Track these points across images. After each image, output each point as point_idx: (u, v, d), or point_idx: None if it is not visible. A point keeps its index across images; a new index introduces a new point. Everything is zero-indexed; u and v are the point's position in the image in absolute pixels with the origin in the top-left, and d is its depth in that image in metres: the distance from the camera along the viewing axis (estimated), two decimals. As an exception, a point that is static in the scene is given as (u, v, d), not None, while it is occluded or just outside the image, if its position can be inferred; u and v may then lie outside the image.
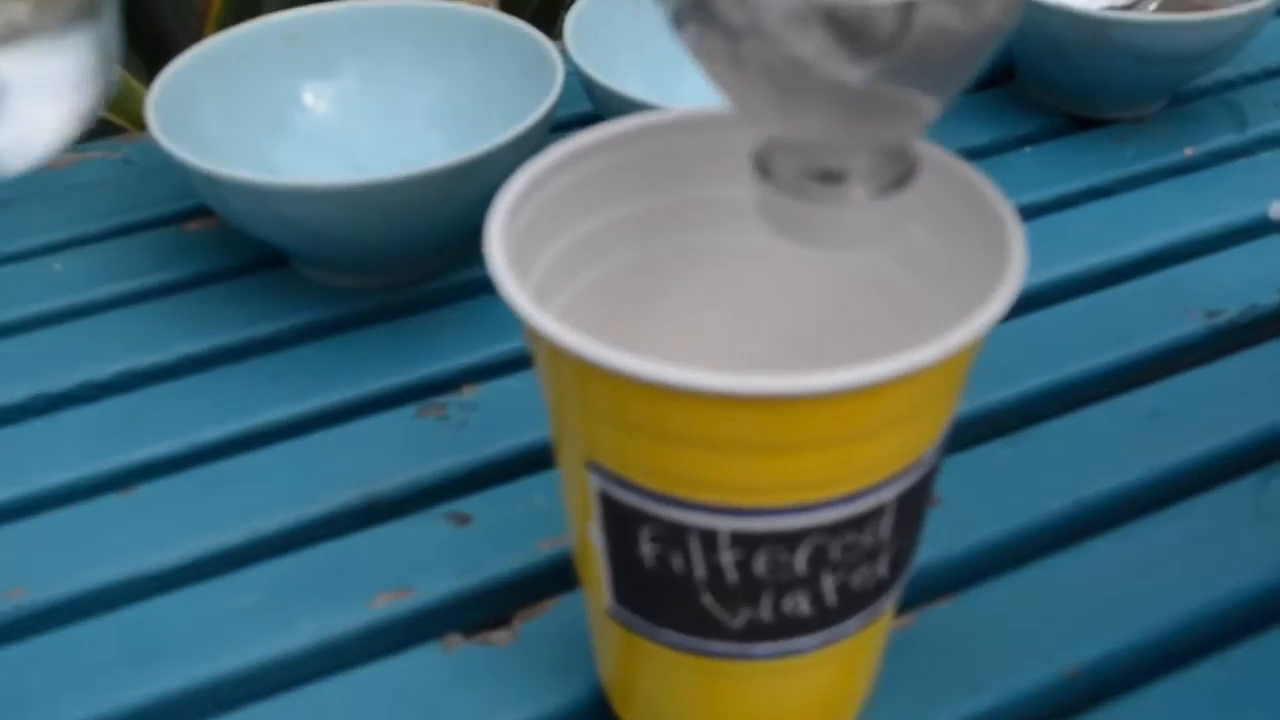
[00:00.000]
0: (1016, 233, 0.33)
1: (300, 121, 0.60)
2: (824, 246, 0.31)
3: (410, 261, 0.57)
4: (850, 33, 0.25)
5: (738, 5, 0.25)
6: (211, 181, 0.51)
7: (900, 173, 0.30)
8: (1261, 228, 0.63)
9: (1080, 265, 0.60)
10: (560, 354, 0.30)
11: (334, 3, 0.62)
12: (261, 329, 0.56)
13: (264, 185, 0.50)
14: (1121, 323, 0.56)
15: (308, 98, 0.61)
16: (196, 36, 0.73)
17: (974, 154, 0.68)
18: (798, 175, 0.30)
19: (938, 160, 0.35)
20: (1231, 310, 0.57)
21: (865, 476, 0.31)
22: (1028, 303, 0.57)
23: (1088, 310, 0.57)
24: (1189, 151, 0.68)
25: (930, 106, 0.28)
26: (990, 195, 0.34)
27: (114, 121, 0.71)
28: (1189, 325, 0.56)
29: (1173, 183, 0.66)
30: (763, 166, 0.30)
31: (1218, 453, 0.50)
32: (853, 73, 0.26)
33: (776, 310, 0.40)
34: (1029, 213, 0.64)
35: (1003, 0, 0.26)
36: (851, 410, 0.29)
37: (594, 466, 0.33)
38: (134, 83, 0.70)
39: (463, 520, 0.47)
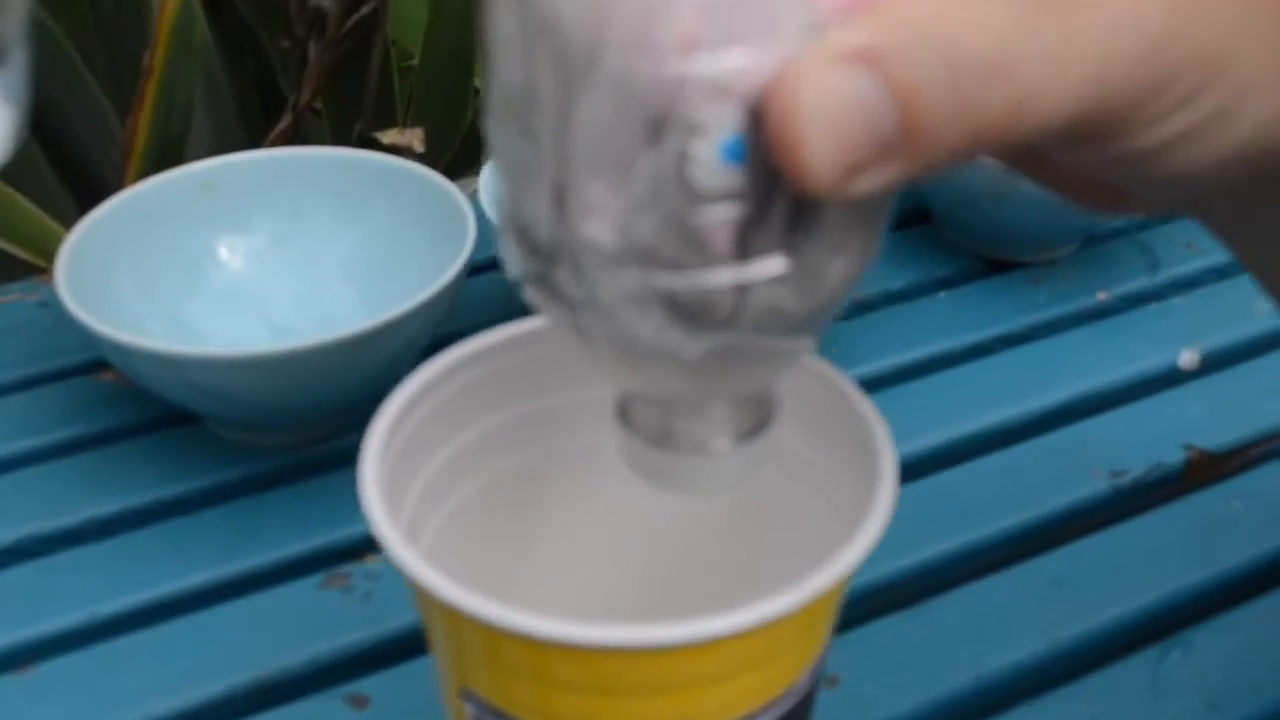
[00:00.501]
0: (888, 458, 0.33)
1: (214, 276, 0.60)
2: (688, 494, 0.31)
3: (321, 420, 0.57)
4: (687, 313, 0.25)
5: (575, 283, 0.26)
6: (118, 348, 0.51)
7: (761, 418, 0.30)
8: (1169, 377, 0.63)
9: (987, 421, 0.60)
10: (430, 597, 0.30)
11: (250, 152, 0.62)
12: (169, 490, 0.56)
13: (168, 354, 0.50)
14: (1025, 484, 0.57)
15: (222, 252, 0.61)
16: (122, 172, 0.73)
17: (892, 298, 0.69)
18: (657, 426, 0.30)
19: (811, 368, 0.35)
20: (1136, 469, 0.57)
21: (737, 709, 0.32)
22: (932, 463, 0.58)
23: (992, 470, 0.58)
24: (1101, 296, 0.68)
25: (785, 360, 0.28)
26: (861, 407, 0.34)
27: (32, 262, 0.71)
28: (1093, 485, 0.57)
29: (1085, 329, 0.67)
30: (623, 415, 0.30)
31: (1118, 624, 0.51)
32: (691, 347, 0.26)
33: (653, 508, 0.40)
34: (943, 362, 0.64)
35: (839, 278, 0.26)
36: (704, 658, 0.30)
37: (468, 695, 0.33)
38: (53, 224, 0.70)
39: (361, 703, 0.47)
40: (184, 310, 0.59)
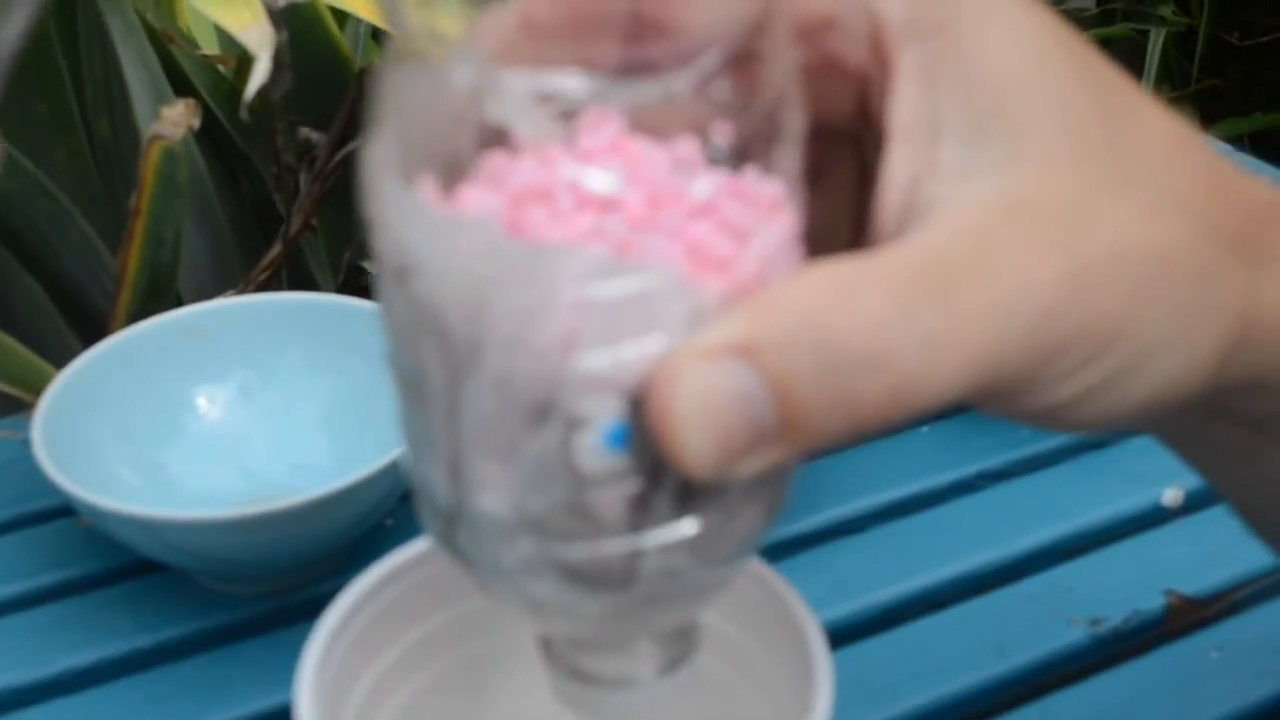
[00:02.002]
0: (823, 665, 0.33)
1: (192, 426, 0.61)
2: (616, 721, 0.31)
3: (297, 570, 0.57)
4: (584, 579, 0.25)
5: (474, 547, 0.26)
6: (91, 508, 0.52)
7: (684, 649, 0.30)
8: (1152, 517, 0.63)
9: (967, 564, 0.60)
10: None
11: (234, 297, 0.63)
12: (145, 639, 0.56)
13: (139, 516, 0.51)
14: (1004, 633, 0.56)
15: (201, 402, 0.61)
16: (115, 300, 0.74)
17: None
18: (578, 663, 0.30)
19: (752, 570, 0.35)
20: (1115, 617, 0.57)
21: None
22: (911, 608, 0.58)
23: (970, 618, 0.57)
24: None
25: (698, 601, 0.28)
26: (802, 620, 0.34)
27: (20, 397, 0.72)
28: (1071, 634, 0.56)
29: (1067, 465, 0.66)
30: (547, 652, 0.30)
31: (1092, 787, 0.50)
32: (592, 607, 0.26)
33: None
34: (925, 501, 0.64)
35: (740, 536, 0.26)
36: None
37: None
38: (40, 360, 0.71)
39: None
40: (160, 459, 0.59)
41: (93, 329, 0.60)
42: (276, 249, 0.77)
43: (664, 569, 0.25)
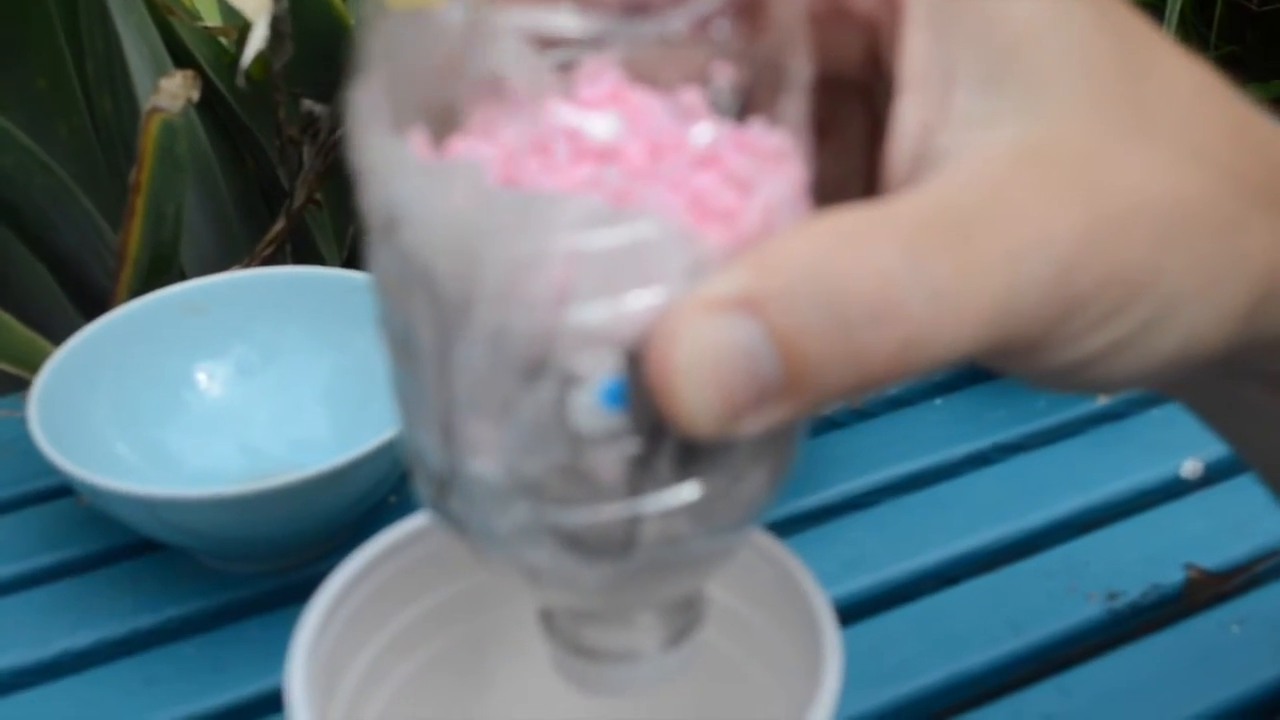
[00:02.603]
0: (833, 644, 0.32)
1: (192, 403, 0.60)
2: (619, 695, 0.30)
3: (299, 548, 0.56)
4: (582, 545, 0.24)
5: (468, 513, 0.25)
6: (89, 486, 0.51)
7: (688, 622, 0.29)
8: (1171, 489, 0.62)
9: (983, 538, 0.59)
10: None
11: (236, 272, 0.62)
12: (145, 619, 0.56)
13: (137, 495, 0.50)
14: (1020, 607, 0.55)
15: (201, 378, 0.60)
16: (117, 279, 0.73)
17: (888, 403, 0.67)
18: (579, 636, 0.29)
19: (759, 544, 0.34)
20: (1133, 591, 0.56)
21: None
22: (926, 583, 0.57)
23: (986, 592, 0.56)
24: (1102, 401, 0.67)
25: (703, 570, 0.27)
26: (811, 595, 0.33)
27: (19, 375, 0.71)
28: (1088, 609, 0.55)
29: (1084, 437, 0.65)
30: (547, 624, 0.29)
31: (1111, 764, 0.49)
32: (591, 575, 0.25)
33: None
34: (940, 474, 0.63)
35: (745, 501, 0.25)
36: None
37: None
38: (40, 339, 0.70)
39: None
40: (159, 436, 0.58)
41: (96, 306, 0.59)
42: (280, 223, 0.76)
43: (665, 535, 0.24)
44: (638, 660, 0.29)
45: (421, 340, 0.23)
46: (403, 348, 0.24)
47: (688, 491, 0.24)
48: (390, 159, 0.23)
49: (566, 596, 0.27)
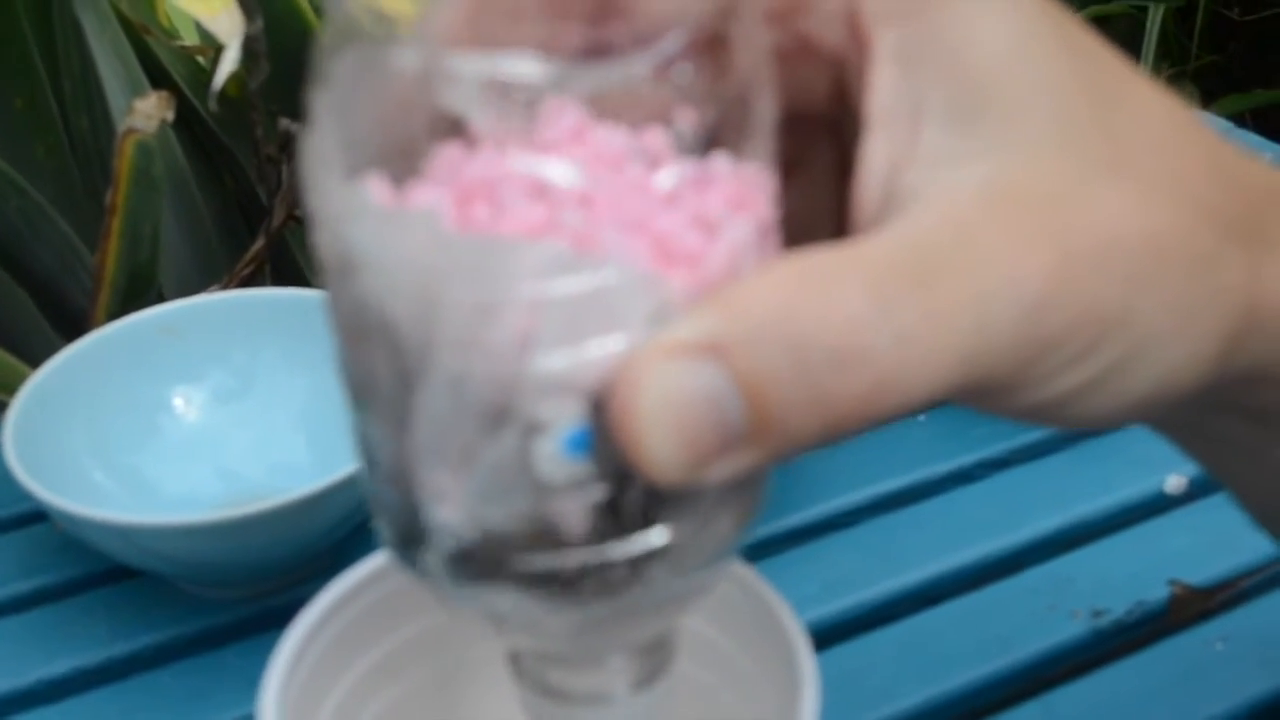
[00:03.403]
0: (809, 672, 0.31)
1: (168, 428, 0.59)
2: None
3: (278, 574, 0.56)
4: (548, 592, 0.24)
5: (432, 560, 0.24)
6: (65, 514, 0.50)
7: (659, 662, 0.29)
8: (1155, 504, 0.62)
9: (966, 556, 0.59)
10: None
11: (211, 294, 0.61)
12: (122, 647, 0.55)
13: (113, 523, 0.49)
14: (1003, 626, 0.55)
15: (178, 403, 0.60)
16: (94, 300, 0.73)
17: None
18: (548, 679, 0.29)
19: (734, 572, 0.34)
20: (1117, 609, 0.56)
21: None
22: (909, 603, 0.56)
23: (969, 611, 0.56)
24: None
25: (671, 612, 0.27)
26: (787, 625, 0.33)
27: (2, 400, 0.70)
28: (1073, 628, 0.55)
29: (1068, 453, 0.65)
30: (515, 666, 0.29)
31: (1095, 786, 0.49)
32: (557, 621, 0.25)
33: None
34: (923, 491, 0.63)
35: (713, 544, 0.25)
36: None
37: None
38: (16, 362, 0.70)
39: None
40: (135, 462, 0.58)
41: (75, 328, 0.59)
42: (260, 243, 0.75)
43: (632, 580, 0.24)
44: (608, 702, 0.28)
45: (380, 387, 0.23)
46: (361, 392, 0.24)
47: (655, 537, 0.23)
48: (346, 203, 0.22)
49: (533, 641, 0.26)
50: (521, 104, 0.22)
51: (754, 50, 0.23)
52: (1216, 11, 1.74)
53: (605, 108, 0.23)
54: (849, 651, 0.53)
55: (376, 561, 0.35)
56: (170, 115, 0.64)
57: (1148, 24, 1.56)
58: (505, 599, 0.24)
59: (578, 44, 0.23)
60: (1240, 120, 1.39)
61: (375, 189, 0.22)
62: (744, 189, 0.23)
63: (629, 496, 0.23)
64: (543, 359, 0.21)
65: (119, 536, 0.51)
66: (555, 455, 0.22)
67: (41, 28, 0.78)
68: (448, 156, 0.23)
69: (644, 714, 0.29)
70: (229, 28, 0.61)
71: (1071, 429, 0.25)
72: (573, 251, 0.21)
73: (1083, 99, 0.24)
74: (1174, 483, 0.62)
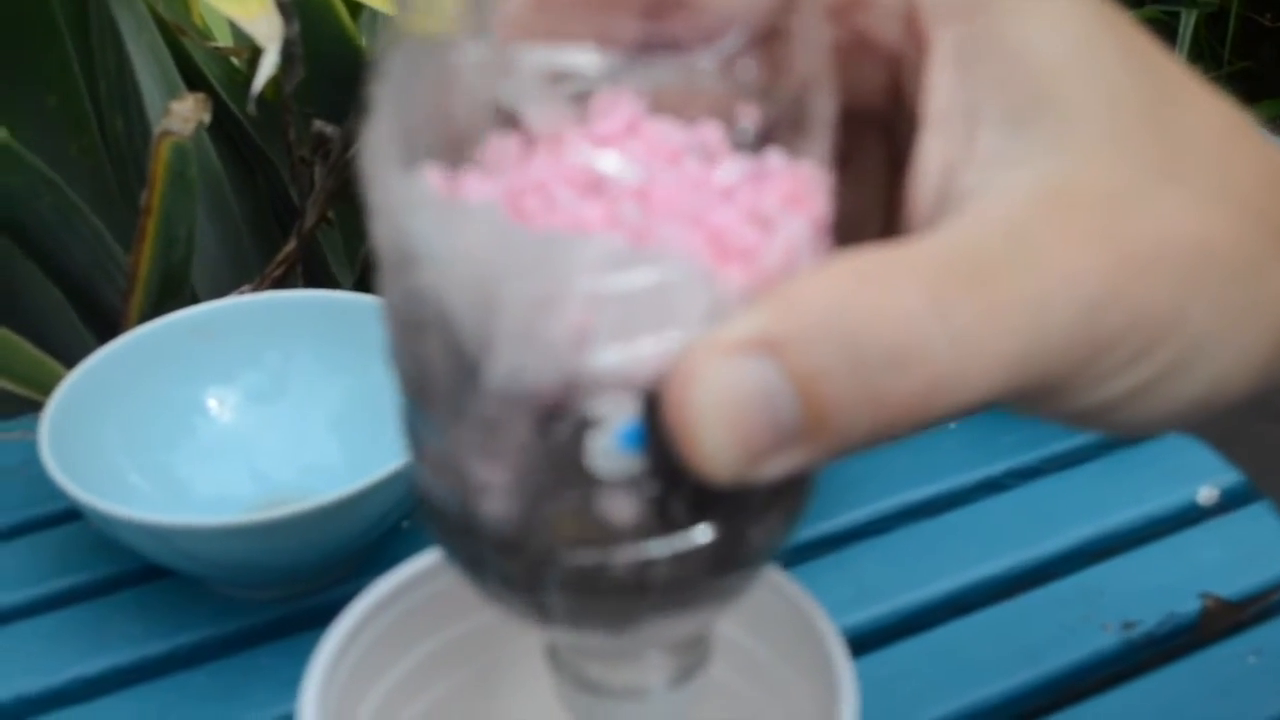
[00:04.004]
0: (846, 674, 0.31)
1: (202, 429, 0.60)
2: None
3: (311, 575, 0.56)
4: (590, 586, 0.24)
5: (478, 553, 0.25)
6: (103, 517, 0.51)
7: (696, 659, 0.29)
8: (1187, 516, 0.61)
9: (996, 566, 0.58)
10: None
11: (245, 296, 0.62)
12: (156, 646, 0.55)
13: (148, 523, 0.50)
14: (1034, 637, 0.55)
15: (211, 404, 0.60)
16: (128, 300, 0.73)
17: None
18: (586, 672, 0.29)
19: (771, 580, 0.34)
20: (1148, 621, 0.55)
21: None
22: (939, 612, 0.56)
23: (1000, 622, 0.56)
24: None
25: (712, 610, 0.27)
26: (824, 631, 0.33)
27: (30, 397, 0.70)
28: (1104, 639, 0.55)
29: (1099, 462, 0.64)
30: (554, 660, 0.29)
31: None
32: (599, 616, 0.25)
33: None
34: (953, 500, 0.63)
35: (760, 544, 0.25)
36: None
37: None
38: (51, 361, 0.70)
39: None
40: (169, 462, 0.58)
41: (109, 328, 0.59)
42: (291, 244, 0.76)
43: (676, 578, 0.24)
44: (644, 697, 0.28)
45: (434, 379, 0.23)
46: (414, 385, 0.24)
47: (700, 534, 0.23)
48: (404, 196, 0.22)
49: (574, 635, 0.26)
50: (579, 97, 0.22)
51: (814, 46, 0.23)
52: (1248, 17, 1.73)
53: (664, 103, 0.23)
54: (880, 660, 0.53)
55: (418, 563, 0.35)
56: (207, 118, 0.64)
57: (1180, 30, 1.55)
58: (549, 593, 0.24)
59: (634, 38, 0.23)
60: (1273, 125, 1.39)
61: (433, 180, 0.22)
62: (800, 185, 0.23)
63: (679, 494, 0.23)
64: (599, 354, 0.21)
65: (153, 537, 0.51)
66: (609, 450, 0.22)
67: (78, 27, 0.78)
68: (504, 149, 0.23)
69: (679, 710, 0.29)
70: (268, 30, 0.61)
71: (1120, 434, 0.25)
72: (630, 246, 0.21)
73: (1139, 102, 0.24)
74: (1206, 494, 0.62)
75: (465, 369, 0.22)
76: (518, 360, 0.21)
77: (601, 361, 0.21)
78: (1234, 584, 0.57)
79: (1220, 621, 0.56)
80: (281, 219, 0.89)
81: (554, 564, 0.23)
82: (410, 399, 0.24)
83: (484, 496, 0.23)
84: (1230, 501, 0.62)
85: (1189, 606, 0.56)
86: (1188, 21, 1.54)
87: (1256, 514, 0.61)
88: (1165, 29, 1.58)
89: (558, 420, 0.22)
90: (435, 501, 0.25)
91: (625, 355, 0.21)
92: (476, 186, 0.23)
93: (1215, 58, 1.71)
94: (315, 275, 0.84)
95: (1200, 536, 0.60)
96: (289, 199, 0.86)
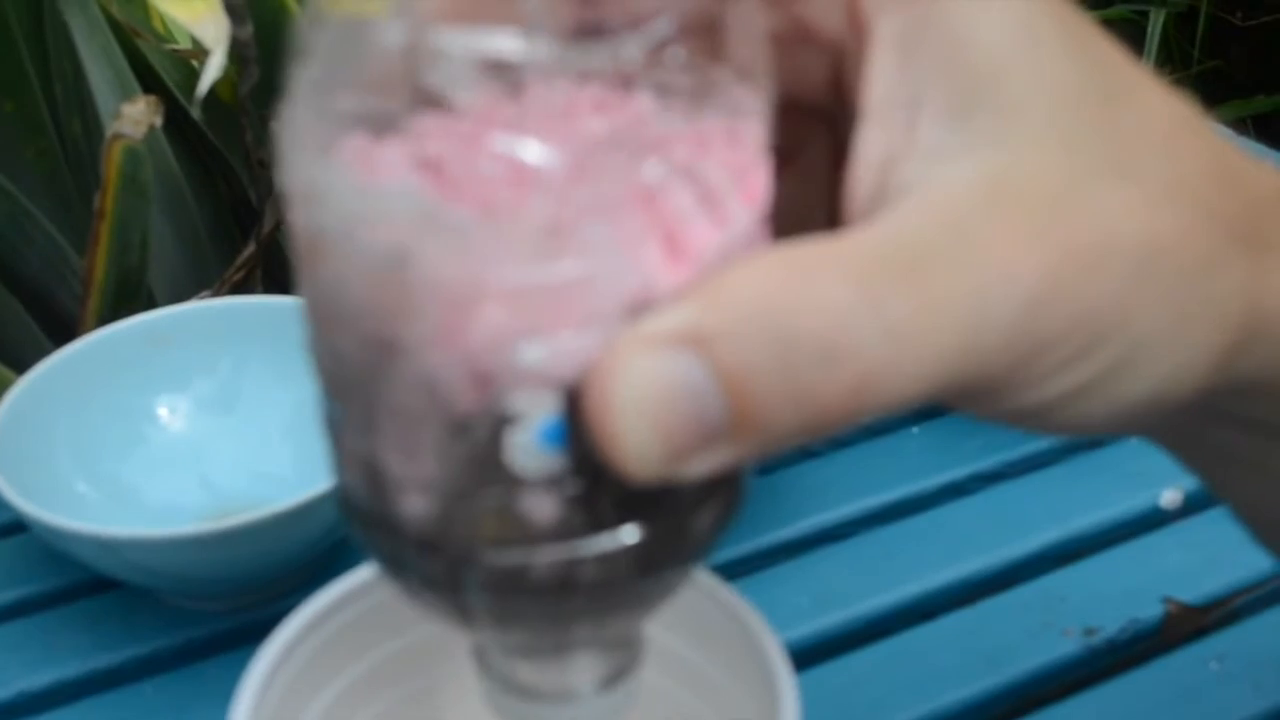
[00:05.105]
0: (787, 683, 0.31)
1: (152, 437, 0.59)
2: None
3: (262, 585, 0.55)
4: (514, 586, 0.23)
5: (396, 552, 0.24)
6: (49, 529, 0.50)
7: (626, 661, 0.28)
8: (1150, 520, 0.61)
9: (958, 571, 0.58)
10: None
11: (199, 302, 0.61)
12: (104, 659, 0.54)
13: (97, 536, 0.49)
14: (995, 643, 0.54)
15: (162, 412, 0.59)
16: (84, 305, 0.72)
17: (864, 431, 0.66)
18: (513, 673, 0.28)
19: (707, 588, 0.33)
20: (1110, 627, 0.55)
21: None
22: (901, 618, 0.55)
23: (961, 627, 0.55)
24: (1081, 431, 0.66)
25: (643, 609, 0.26)
26: (757, 631, 0.32)
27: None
28: (1065, 645, 0.54)
29: (1063, 466, 0.64)
30: (481, 662, 0.28)
31: (1086, 803, 0.48)
32: (524, 617, 0.24)
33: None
34: (916, 505, 0.62)
35: (691, 541, 0.24)
36: None
37: None
38: (9, 372, 0.69)
39: None
40: (118, 471, 0.57)
41: (66, 334, 0.58)
42: (251, 248, 0.75)
43: (603, 578, 0.23)
44: (573, 700, 0.28)
45: (349, 374, 0.22)
46: (331, 379, 0.23)
47: (627, 534, 0.23)
48: (319, 181, 0.22)
49: (499, 636, 0.26)
50: (507, 82, 0.22)
51: (750, 34, 0.23)
52: (1218, 16, 1.73)
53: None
54: (840, 667, 0.53)
55: (353, 579, 0.34)
56: (159, 120, 0.63)
57: (1149, 29, 1.55)
58: (472, 594, 0.23)
59: (563, 22, 0.22)
60: (1241, 126, 1.39)
61: (350, 156, 0.22)
62: (733, 177, 0.23)
63: (603, 492, 0.22)
64: (519, 349, 0.21)
65: (100, 548, 0.50)
66: (529, 447, 0.21)
67: (33, 30, 0.77)
68: (426, 132, 0.22)
69: (609, 714, 0.28)
70: (214, 33, 0.60)
71: (1064, 436, 0.24)
72: (551, 238, 0.21)
73: (1086, 96, 0.24)
74: (1169, 498, 0.62)
75: (379, 363, 0.21)
76: (434, 355, 0.21)
77: (521, 357, 0.21)
78: (1197, 588, 0.57)
79: (1183, 626, 0.55)
80: (242, 222, 0.87)
81: (475, 564, 0.23)
82: (328, 394, 0.23)
83: (403, 494, 0.22)
84: (1193, 505, 0.61)
85: (1151, 611, 0.56)
86: (1156, 20, 1.54)
87: (1219, 517, 0.61)
88: (1134, 28, 1.58)
89: (476, 416, 0.21)
90: (356, 500, 0.24)
91: (545, 350, 0.21)
92: (394, 159, 0.22)
93: (1185, 57, 1.71)
94: (276, 279, 0.83)
95: (1163, 540, 0.60)
96: (249, 202, 0.84)
